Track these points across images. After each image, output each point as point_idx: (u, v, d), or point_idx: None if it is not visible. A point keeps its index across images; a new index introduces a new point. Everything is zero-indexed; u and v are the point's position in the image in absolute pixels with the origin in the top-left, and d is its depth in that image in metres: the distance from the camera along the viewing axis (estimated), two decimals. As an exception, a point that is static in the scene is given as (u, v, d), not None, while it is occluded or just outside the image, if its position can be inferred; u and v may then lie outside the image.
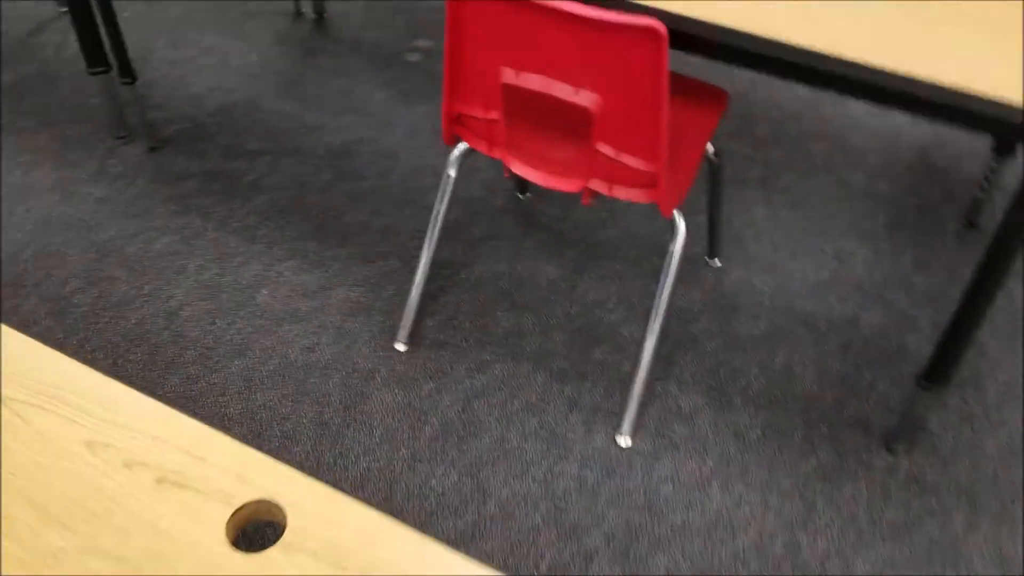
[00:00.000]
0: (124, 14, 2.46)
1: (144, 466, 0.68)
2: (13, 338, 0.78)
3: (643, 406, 1.60)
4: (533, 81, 1.21)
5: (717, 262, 1.87)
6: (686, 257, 1.87)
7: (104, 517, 0.65)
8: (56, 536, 0.64)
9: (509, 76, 1.22)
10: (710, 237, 1.88)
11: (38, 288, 1.77)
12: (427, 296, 1.77)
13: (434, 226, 1.64)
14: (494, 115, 1.31)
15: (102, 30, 1.88)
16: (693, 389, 1.64)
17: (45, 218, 1.91)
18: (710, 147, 1.57)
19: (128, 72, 1.95)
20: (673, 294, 1.79)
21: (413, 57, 2.39)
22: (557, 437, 1.56)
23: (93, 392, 0.74)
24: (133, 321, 1.72)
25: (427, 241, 1.66)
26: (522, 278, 1.83)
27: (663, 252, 1.86)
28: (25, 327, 1.70)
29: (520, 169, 1.37)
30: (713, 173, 1.75)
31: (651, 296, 1.79)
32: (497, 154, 1.39)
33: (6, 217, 1.91)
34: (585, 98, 1.19)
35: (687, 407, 1.61)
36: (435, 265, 1.82)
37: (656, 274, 1.83)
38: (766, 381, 1.66)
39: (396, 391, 1.62)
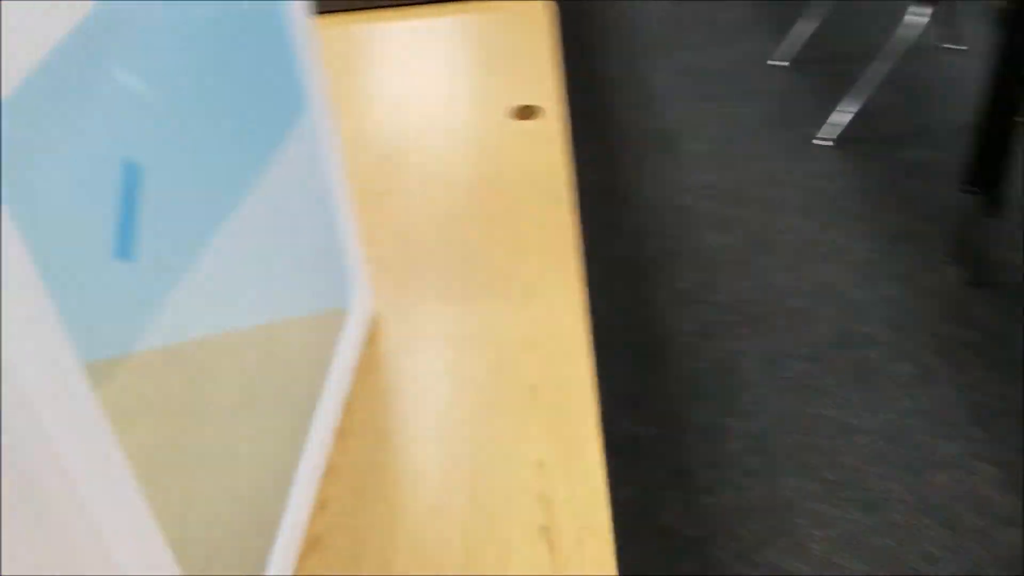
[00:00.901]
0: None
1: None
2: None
3: None
4: None
5: None
6: None
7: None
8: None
9: None
10: None
11: (776, 333, 1.99)
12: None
13: None
14: None
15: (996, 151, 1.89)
16: None
17: (830, 284, 2.09)
18: None
19: (994, 202, 1.94)
20: None
21: None
22: None
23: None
24: (813, 411, 1.82)
25: None
26: None
27: None
28: (744, 353, 1.95)
29: None
30: None
31: None
32: None
33: (788, 258, 2.14)
34: None
35: None
36: None
37: None
38: None
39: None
